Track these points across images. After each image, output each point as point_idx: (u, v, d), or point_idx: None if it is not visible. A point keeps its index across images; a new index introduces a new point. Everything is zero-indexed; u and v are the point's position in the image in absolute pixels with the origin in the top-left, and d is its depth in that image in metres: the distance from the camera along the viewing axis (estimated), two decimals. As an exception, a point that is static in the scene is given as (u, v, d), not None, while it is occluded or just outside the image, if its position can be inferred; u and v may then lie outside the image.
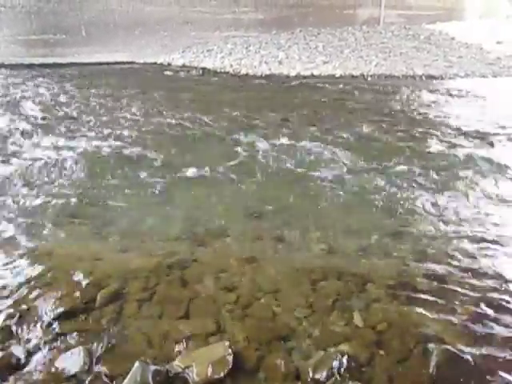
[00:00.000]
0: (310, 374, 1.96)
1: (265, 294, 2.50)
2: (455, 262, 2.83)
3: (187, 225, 3.35)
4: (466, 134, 5.82)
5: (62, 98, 7.88)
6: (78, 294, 2.45)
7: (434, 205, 3.68)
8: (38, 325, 2.22)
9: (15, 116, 6.53)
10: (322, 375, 1.94)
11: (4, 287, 2.52)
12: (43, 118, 6.40)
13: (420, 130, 6.03)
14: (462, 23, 18.43)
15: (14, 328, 2.21)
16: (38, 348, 2.08)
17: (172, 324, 2.26)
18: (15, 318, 2.27)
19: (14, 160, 4.64)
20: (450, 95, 8.66)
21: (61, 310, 2.31)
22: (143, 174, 4.27)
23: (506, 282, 2.63)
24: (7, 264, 2.75)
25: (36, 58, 11.87)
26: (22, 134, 5.59)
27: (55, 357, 2.02)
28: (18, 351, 2.07)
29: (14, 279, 2.60)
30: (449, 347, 2.06)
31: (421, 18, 17.77)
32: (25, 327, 2.21)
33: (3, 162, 4.61)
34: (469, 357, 2.01)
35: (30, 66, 11.29)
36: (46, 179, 4.11)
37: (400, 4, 17.41)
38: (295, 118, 6.67)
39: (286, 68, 11.35)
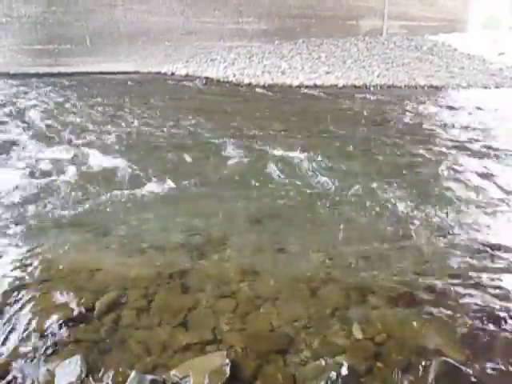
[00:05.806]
0: (308, 385, 1.94)
1: (263, 304, 2.50)
2: (455, 274, 2.82)
3: (187, 234, 3.35)
4: (467, 146, 5.81)
5: (66, 107, 7.95)
6: (76, 302, 2.45)
7: (435, 216, 3.67)
8: (37, 333, 2.22)
9: (20, 124, 6.59)
10: (319, 386, 1.93)
11: (3, 295, 2.53)
12: (47, 127, 6.45)
13: (422, 140, 6.03)
14: (465, 34, 18.54)
15: (12, 336, 2.21)
16: (35, 356, 2.08)
17: (170, 333, 2.25)
18: (13, 327, 2.27)
19: (17, 168, 4.67)
20: (453, 106, 8.67)
21: (59, 318, 2.31)
22: (144, 183, 4.28)
23: (506, 294, 2.62)
24: (6, 272, 2.76)
25: (41, 67, 12.00)
26: (26, 142, 5.64)
27: (53, 365, 2.02)
28: (16, 360, 2.07)
29: (13, 287, 2.60)
30: (448, 360, 2.05)
31: (423, 29, 17.87)
32: (23, 335, 2.21)
33: (6, 169, 4.65)
34: (468, 370, 1.99)
35: (35, 76, 11.41)
36: (48, 187, 4.12)
37: (403, 15, 17.51)
38: (297, 128, 6.69)
39: (288, 78, 11.41)
